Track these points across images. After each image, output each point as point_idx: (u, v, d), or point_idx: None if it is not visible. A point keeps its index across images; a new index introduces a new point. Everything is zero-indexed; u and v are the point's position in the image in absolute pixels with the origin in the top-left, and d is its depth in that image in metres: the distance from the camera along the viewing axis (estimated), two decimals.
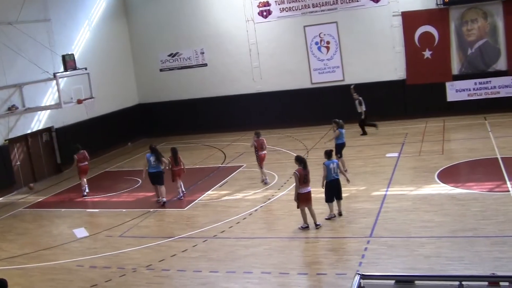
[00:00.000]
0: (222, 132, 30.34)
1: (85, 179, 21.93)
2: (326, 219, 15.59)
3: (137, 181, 22.76)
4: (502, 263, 11.72)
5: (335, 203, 15.89)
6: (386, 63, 28.33)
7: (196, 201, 19.35)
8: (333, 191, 15.81)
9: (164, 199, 19.31)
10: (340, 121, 20.81)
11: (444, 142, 22.92)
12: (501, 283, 6.24)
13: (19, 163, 24.84)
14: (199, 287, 12.64)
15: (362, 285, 6.45)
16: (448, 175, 18.43)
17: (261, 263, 13.48)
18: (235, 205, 18.31)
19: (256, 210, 17.33)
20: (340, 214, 15.92)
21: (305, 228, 15.16)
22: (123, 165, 26.16)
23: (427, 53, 27.54)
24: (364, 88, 28.46)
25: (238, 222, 16.48)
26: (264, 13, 30.05)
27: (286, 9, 29.65)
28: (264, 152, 20.42)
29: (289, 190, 19.03)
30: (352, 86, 26.65)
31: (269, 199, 18.39)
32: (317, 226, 15.13)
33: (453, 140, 23.68)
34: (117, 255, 15.24)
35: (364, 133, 26.27)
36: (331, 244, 13.97)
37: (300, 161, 15.32)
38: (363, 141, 25.05)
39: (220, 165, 23.99)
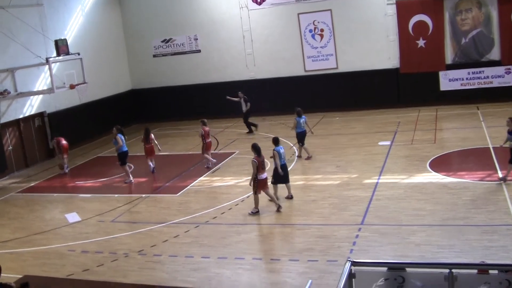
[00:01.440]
0: (215, 119, 30.27)
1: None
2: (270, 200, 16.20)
3: (130, 166, 22.74)
4: (491, 251, 11.82)
5: (282, 186, 16.69)
6: (380, 51, 28.33)
7: (188, 187, 19.37)
8: (282, 175, 16.49)
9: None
10: (299, 109, 21.32)
11: (437, 131, 22.99)
12: (490, 271, 6.30)
13: (11, 147, 24.75)
14: (190, 272, 12.68)
15: (353, 271, 6.49)
16: (440, 164, 18.51)
17: (252, 249, 13.54)
18: (227, 191, 18.34)
19: (248, 196, 17.31)
20: (291, 197, 16.77)
21: (256, 213, 15.78)
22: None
23: (421, 42, 27.54)
24: (358, 76, 28.60)
25: (230, 208, 16.52)
26: (258, 0, 29.94)
27: None
28: (210, 140, 21.63)
29: None
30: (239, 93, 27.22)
31: None
32: (279, 208, 15.86)
33: (445, 129, 23.75)
34: (109, 240, 15.27)
35: (250, 131, 26.87)
36: (322, 231, 14.02)
37: (256, 149, 15.89)
38: (355, 129, 25.10)
39: (212, 151, 23.96)
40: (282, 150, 16.60)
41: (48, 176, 23.38)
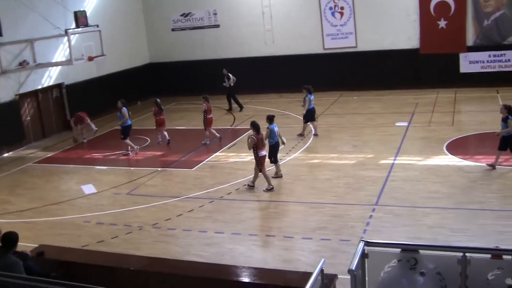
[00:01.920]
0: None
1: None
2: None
3: (146, 140, 22.87)
4: (506, 236, 11.75)
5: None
6: (400, 31, 28.03)
7: (204, 162, 19.43)
8: (275, 153, 16.90)
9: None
10: (308, 86, 21.56)
11: (455, 113, 22.79)
12: (504, 257, 6.27)
13: (29, 118, 24.93)
14: (204, 247, 12.77)
15: (366, 251, 6.49)
16: (457, 147, 18.38)
17: (266, 226, 13.60)
18: (243, 167, 18.35)
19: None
20: (280, 176, 17.00)
21: (271, 189, 15.91)
22: (132, 124, 26.21)
23: (442, 23, 27.20)
24: (377, 56, 28.35)
25: (245, 185, 16.55)
26: None
27: None
28: (211, 115, 21.67)
29: (299, 154, 19.11)
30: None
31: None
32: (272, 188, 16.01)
33: (463, 112, 23.55)
34: (123, 213, 15.39)
35: (230, 108, 27.32)
36: (337, 210, 14.02)
37: (255, 126, 16.11)
38: (372, 109, 24.97)
39: (229, 127, 24.01)
40: (276, 128, 16.81)
41: (65, 147, 23.55)
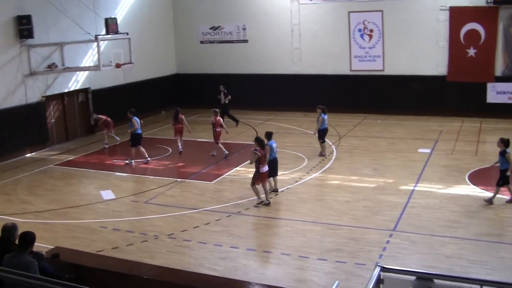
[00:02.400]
0: (256, 110, 30.29)
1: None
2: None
3: (167, 149, 22.96)
4: None
5: (271, 179, 17.17)
6: (428, 57, 27.94)
7: (223, 175, 19.43)
8: (273, 168, 17.03)
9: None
10: (323, 106, 21.65)
11: (479, 143, 22.58)
12: None
13: (53, 120, 25.17)
14: (218, 260, 12.73)
15: (381, 277, 6.42)
16: (479, 177, 18.17)
17: (281, 244, 13.52)
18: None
19: (282, 191, 17.34)
20: (276, 190, 17.24)
21: (260, 203, 16.10)
22: (155, 133, 26.29)
23: (471, 51, 27.05)
24: (403, 80, 28.28)
25: (263, 201, 16.49)
26: None
27: None
28: (220, 129, 21.98)
29: (319, 174, 19.02)
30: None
31: (297, 181, 18.37)
32: (268, 204, 16.09)
33: (488, 143, 23.24)
34: (140, 221, 15.43)
35: (236, 121, 27.55)
36: (354, 233, 13.91)
37: (260, 142, 16.35)
38: (395, 133, 24.83)
39: (251, 143, 23.96)
40: (274, 145, 17.19)
41: (87, 152, 23.74)
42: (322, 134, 21.44)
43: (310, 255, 12.83)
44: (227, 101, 27.39)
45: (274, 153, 17.08)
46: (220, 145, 21.87)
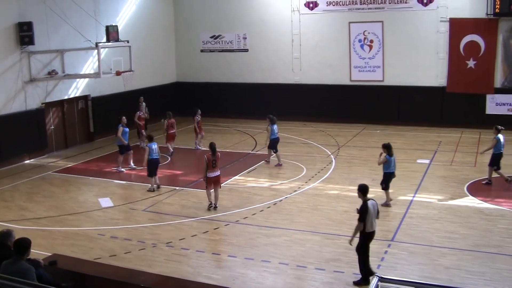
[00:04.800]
0: (255, 119, 30.30)
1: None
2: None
3: (166, 158, 22.94)
4: None
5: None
6: (428, 68, 28.01)
7: (222, 184, 19.33)
8: (154, 168, 18.72)
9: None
10: (272, 116, 22.00)
11: (478, 154, 22.57)
12: None
13: (53, 127, 25.17)
14: (215, 270, 12.71)
15: (379, 287, 6.41)
16: (478, 189, 18.17)
17: (279, 254, 13.48)
18: (261, 193, 18.33)
19: (281, 200, 17.34)
20: (159, 187, 18.89)
21: (210, 205, 16.77)
22: (154, 141, 26.28)
23: (470, 63, 27.11)
24: (403, 91, 28.33)
25: (261, 210, 16.51)
26: (311, 5, 29.89)
27: (333, 3, 29.43)
28: (174, 131, 23.87)
29: (317, 183, 19.01)
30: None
31: (295, 191, 18.36)
32: (215, 207, 16.74)
33: (487, 154, 23.22)
34: (138, 229, 15.40)
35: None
36: (352, 243, 13.87)
37: (211, 147, 16.76)
38: (395, 144, 24.56)
39: (250, 152, 24.01)
40: (154, 146, 18.89)
41: (86, 159, 23.72)
42: (274, 144, 21.62)
43: (308, 264, 12.81)
44: (147, 115, 26.22)
45: (154, 154, 18.85)
46: (169, 145, 23.50)
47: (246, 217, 15.99)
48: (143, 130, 24.77)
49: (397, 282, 6.57)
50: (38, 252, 11.42)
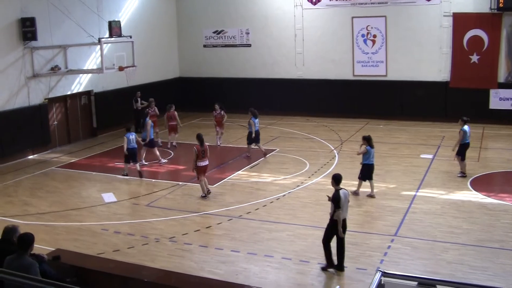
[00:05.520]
0: (258, 114, 30.25)
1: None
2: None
3: (170, 153, 22.96)
4: None
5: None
6: (431, 63, 27.95)
7: (225, 179, 19.43)
8: (131, 155, 19.84)
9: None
10: (255, 110, 22.39)
11: (481, 149, 22.55)
12: None
13: (56, 123, 25.20)
14: (218, 264, 12.72)
15: (382, 282, 6.40)
16: (481, 183, 18.16)
17: (282, 249, 13.50)
18: (264, 188, 18.34)
19: (284, 195, 17.34)
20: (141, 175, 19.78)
21: (204, 197, 17.32)
22: (157, 136, 26.29)
23: (474, 58, 27.04)
24: (406, 86, 28.28)
25: (264, 205, 16.51)
26: (314, 0, 29.82)
27: None
28: (175, 123, 24.00)
29: (320, 178, 19.01)
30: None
31: (298, 186, 18.36)
32: (209, 192, 17.48)
33: (490, 149, 23.27)
34: (141, 224, 15.42)
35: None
36: (355, 238, 13.89)
37: (199, 138, 17.42)
38: (398, 139, 24.81)
39: (253, 147, 23.97)
40: (131, 136, 19.78)
41: (89, 154, 23.75)
42: (256, 137, 22.01)
43: (311, 259, 12.82)
44: (139, 108, 26.59)
45: (131, 143, 19.74)
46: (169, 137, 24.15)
47: (249, 212, 16.00)
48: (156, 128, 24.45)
49: (400, 277, 6.56)
50: (41, 247, 11.45)
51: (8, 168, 21.62)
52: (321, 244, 12.44)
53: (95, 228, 15.17)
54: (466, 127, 19.14)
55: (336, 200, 12.20)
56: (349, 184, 18.29)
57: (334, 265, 12.24)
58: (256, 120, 22.07)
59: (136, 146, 20.20)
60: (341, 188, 12.52)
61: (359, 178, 17.38)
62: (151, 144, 21.36)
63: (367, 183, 17.25)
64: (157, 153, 21.51)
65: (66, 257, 9.91)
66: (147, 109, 23.84)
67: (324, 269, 12.32)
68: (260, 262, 12.81)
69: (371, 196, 17.02)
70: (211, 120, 24.89)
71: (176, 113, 24.20)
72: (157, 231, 14.76)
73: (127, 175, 20.13)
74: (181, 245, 13.83)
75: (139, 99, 26.78)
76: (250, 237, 14.28)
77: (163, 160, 21.71)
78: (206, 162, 17.48)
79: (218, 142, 24.40)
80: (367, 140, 17.30)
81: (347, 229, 12.49)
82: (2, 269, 7.08)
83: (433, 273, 11.66)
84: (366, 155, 17.21)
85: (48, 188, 19.13)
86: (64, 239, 14.34)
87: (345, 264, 12.38)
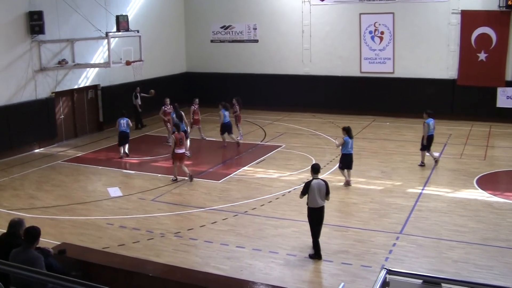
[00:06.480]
0: (265, 110, 30.32)
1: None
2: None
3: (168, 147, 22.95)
4: None
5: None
6: (439, 60, 27.87)
7: (231, 175, 19.43)
8: (121, 138, 21.64)
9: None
10: (226, 103, 23.40)
11: (488, 148, 22.49)
12: None
13: (62, 116, 25.25)
14: (224, 260, 12.73)
15: (387, 280, 6.38)
16: (488, 182, 18.11)
17: (287, 245, 13.50)
18: (269, 184, 18.33)
19: (289, 191, 17.33)
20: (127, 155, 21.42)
21: (175, 180, 18.65)
22: (163, 131, 26.29)
23: (482, 55, 26.94)
24: (413, 83, 28.21)
25: (270, 201, 16.51)
26: None
27: None
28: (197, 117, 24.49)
29: (326, 175, 18.97)
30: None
31: (304, 182, 18.28)
32: (191, 178, 18.68)
33: (497, 147, 23.21)
34: (147, 219, 15.44)
35: (143, 125, 27.64)
36: (360, 235, 13.89)
37: (176, 126, 19.09)
38: (404, 136, 24.76)
39: (259, 143, 24.00)
40: (123, 121, 21.66)
41: (95, 148, 23.79)
42: (224, 128, 23.01)
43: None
44: (139, 103, 27.16)
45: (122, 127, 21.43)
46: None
47: (255, 208, 16.00)
48: (169, 125, 24.00)
49: (405, 275, 6.53)
50: (47, 241, 11.49)
51: (15, 162, 21.68)
52: (327, 241, 12.44)
53: (101, 222, 15.20)
54: (429, 120, 20.04)
55: (305, 187, 12.91)
56: (354, 181, 18.34)
57: (321, 256, 12.73)
58: (226, 113, 22.84)
59: (128, 130, 21.84)
60: (318, 178, 12.91)
61: (339, 168, 18.18)
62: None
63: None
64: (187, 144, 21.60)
65: (72, 251, 9.93)
66: (164, 107, 24.16)
67: (311, 256, 12.76)
68: (265, 258, 12.81)
69: (347, 183, 17.81)
70: (217, 115, 24.73)
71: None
72: (163, 226, 14.79)
73: (122, 157, 21.73)
74: (186, 240, 13.84)
75: (138, 95, 26.84)
76: (255, 233, 14.28)
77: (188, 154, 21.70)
78: (182, 150, 18.72)
79: (239, 138, 24.20)
80: (347, 131, 17.95)
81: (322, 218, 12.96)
82: (8, 262, 7.09)
83: (438, 271, 11.63)
84: (344, 145, 17.87)
85: (54, 182, 19.18)
86: (69, 233, 14.38)
87: (349, 262, 12.39)
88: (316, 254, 12.71)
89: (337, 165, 18.87)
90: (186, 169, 18.78)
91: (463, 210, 15.58)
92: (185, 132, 21.24)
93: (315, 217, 12.80)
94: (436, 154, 20.54)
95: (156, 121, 27.90)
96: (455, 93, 27.66)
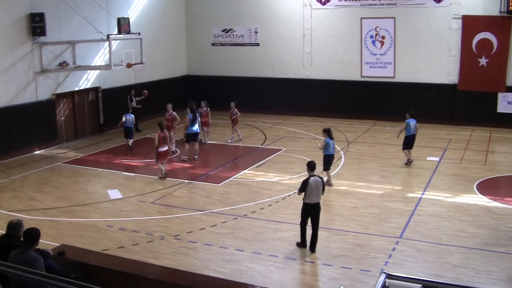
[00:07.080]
0: (265, 114, 30.34)
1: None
2: None
3: (175, 151, 22.98)
4: None
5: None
6: (439, 65, 27.88)
7: (231, 178, 19.42)
8: (126, 132, 23.02)
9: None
10: (192, 104, 22.60)
11: (488, 153, 22.49)
12: None
13: (63, 118, 25.26)
14: (223, 263, 12.71)
15: (387, 284, 6.39)
16: (488, 187, 18.09)
17: (287, 248, 13.49)
18: (269, 187, 18.32)
19: (289, 195, 17.31)
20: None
21: (161, 178, 19.16)
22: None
23: (483, 61, 26.95)
24: (414, 88, 28.22)
25: (270, 205, 16.51)
26: (323, 0, 29.79)
27: None
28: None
29: (326, 179, 18.97)
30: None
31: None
32: (166, 175, 19.34)
33: (497, 152, 23.21)
34: (147, 221, 15.43)
35: (138, 130, 26.86)
36: (360, 240, 13.88)
37: (160, 125, 19.58)
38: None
39: (259, 146, 24.01)
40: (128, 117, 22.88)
41: (95, 151, 23.80)
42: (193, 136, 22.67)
43: (315, 260, 12.82)
44: (135, 105, 26.63)
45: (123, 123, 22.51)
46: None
47: (255, 211, 16.00)
48: (172, 132, 23.13)
49: (405, 279, 6.54)
50: (46, 243, 11.49)
51: (15, 163, 21.68)
52: (327, 245, 12.42)
53: (100, 224, 15.20)
54: (410, 120, 20.75)
55: (303, 184, 13.21)
56: (354, 185, 18.34)
57: (306, 245, 13.29)
58: (191, 117, 22.48)
59: (131, 126, 23.48)
60: (314, 175, 13.29)
61: (323, 169, 18.23)
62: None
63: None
64: (187, 147, 21.91)
65: (71, 253, 9.96)
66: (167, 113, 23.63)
67: (298, 244, 13.45)
68: (264, 262, 12.80)
69: (329, 184, 17.79)
70: (219, 119, 24.85)
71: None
72: (162, 229, 14.78)
73: (128, 149, 23.37)
74: (185, 243, 13.83)
75: (134, 98, 26.78)
76: (255, 236, 14.27)
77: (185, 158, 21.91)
78: (166, 148, 19.38)
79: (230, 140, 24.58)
80: (327, 132, 18.27)
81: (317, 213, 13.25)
82: (7, 264, 7.10)
83: (437, 276, 11.62)
84: (326, 146, 18.16)
85: (54, 184, 19.18)
86: (69, 235, 14.36)
87: (348, 266, 12.38)
88: (302, 243, 13.36)
89: (337, 169, 18.87)
90: (164, 167, 19.41)
91: (463, 215, 15.57)
92: (196, 134, 21.95)
93: (311, 212, 13.26)
94: (411, 157, 20.85)
95: (155, 123, 27.84)
96: (455, 98, 27.68)
